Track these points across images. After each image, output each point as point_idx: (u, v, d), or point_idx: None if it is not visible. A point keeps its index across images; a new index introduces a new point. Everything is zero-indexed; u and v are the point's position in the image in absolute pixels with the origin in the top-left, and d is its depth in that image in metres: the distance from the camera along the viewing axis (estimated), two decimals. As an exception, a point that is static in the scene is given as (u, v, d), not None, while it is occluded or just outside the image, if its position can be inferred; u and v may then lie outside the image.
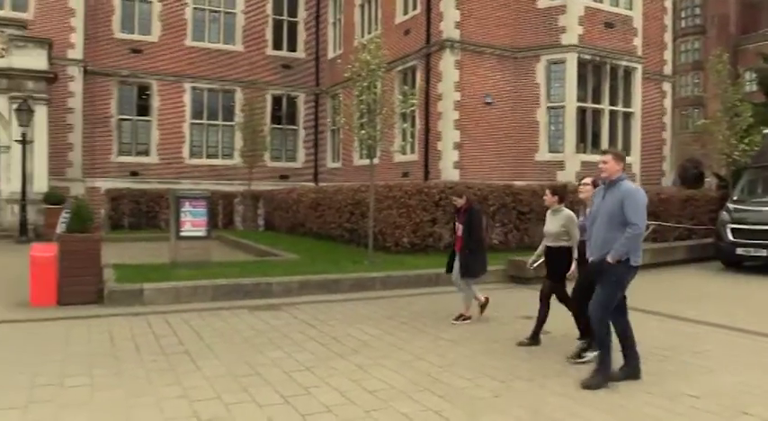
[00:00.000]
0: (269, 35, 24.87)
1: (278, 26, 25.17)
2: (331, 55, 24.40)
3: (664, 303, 8.67)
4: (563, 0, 17.20)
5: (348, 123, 12.37)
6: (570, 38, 17.22)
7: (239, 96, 23.85)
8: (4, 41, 18.03)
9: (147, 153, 23.06)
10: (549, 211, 6.40)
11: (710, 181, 25.76)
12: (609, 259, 4.90)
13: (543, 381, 5.08)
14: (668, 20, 21.65)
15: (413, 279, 10.05)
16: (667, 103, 21.72)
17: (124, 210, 20.36)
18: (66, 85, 20.63)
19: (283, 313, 7.87)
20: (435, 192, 12.50)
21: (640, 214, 4.91)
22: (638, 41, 18.65)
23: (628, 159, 18.23)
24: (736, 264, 13.01)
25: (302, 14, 25.42)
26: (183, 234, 10.59)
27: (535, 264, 6.98)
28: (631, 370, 5.14)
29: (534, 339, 6.27)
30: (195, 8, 23.61)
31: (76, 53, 21.03)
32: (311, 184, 22.92)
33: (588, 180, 6.11)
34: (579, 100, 17.44)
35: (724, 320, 7.61)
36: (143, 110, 23.05)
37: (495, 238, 13.06)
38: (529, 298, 7.72)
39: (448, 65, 17.01)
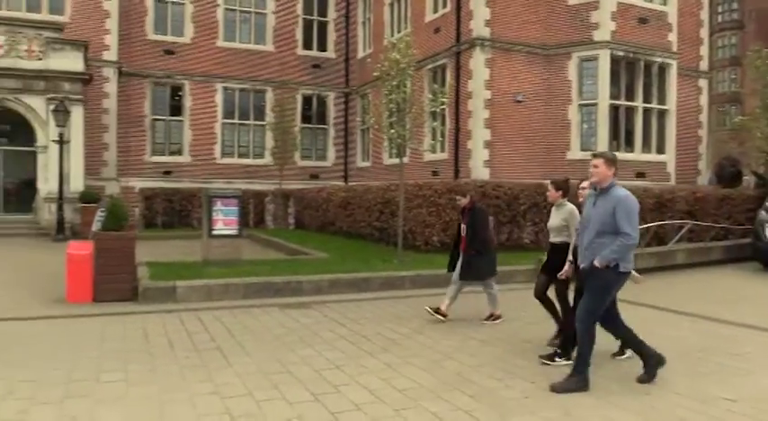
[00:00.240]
0: (299, 35, 25.04)
1: (308, 26, 25.32)
2: (361, 54, 24.46)
3: (698, 304, 8.46)
4: (595, -4, 16.99)
5: (378, 122, 12.36)
6: (603, 34, 16.98)
7: (270, 96, 24.09)
8: (42, 44, 18.47)
9: (179, 152, 23.42)
10: (553, 207, 6.30)
11: (748, 179, 25.08)
12: (596, 263, 4.73)
13: (575, 382, 5.00)
14: (704, 14, 21.23)
15: (443, 278, 9.93)
16: (703, 99, 21.29)
17: (157, 208, 20.69)
18: (101, 86, 21.05)
19: (313, 311, 7.91)
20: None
21: (633, 223, 4.73)
22: (672, 37, 18.30)
23: (662, 157, 18.04)
24: (775, 265, 12.67)
25: (332, 14, 25.54)
26: (214, 232, 10.70)
27: None
28: (653, 367, 5.01)
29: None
30: (226, 9, 23.89)
31: (111, 55, 21.43)
32: (341, 183, 23.00)
33: (586, 183, 5.94)
34: (612, 97, 17.19)
35: (764, 323, 7.38)
36: (176, 110, 23.41)
37: (525, 237, 12.96)
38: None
39: (478, 63, 16.91)
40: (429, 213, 12.38)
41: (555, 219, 6.17)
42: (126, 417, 4.15)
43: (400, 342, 6.34)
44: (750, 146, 16.99)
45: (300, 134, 23.63)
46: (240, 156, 24.35)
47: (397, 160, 12.14)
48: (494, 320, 7.30)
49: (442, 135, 18.43)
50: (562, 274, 5.86)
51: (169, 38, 23.07)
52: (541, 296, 6.31)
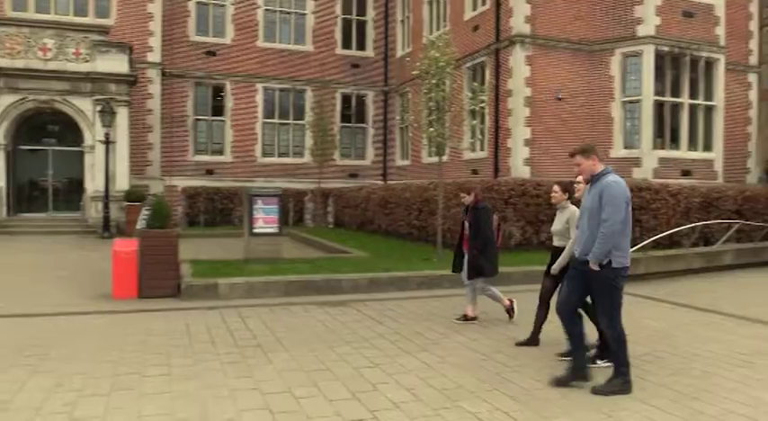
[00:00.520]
0: (338, 35, 25.16)
1: (347, 26, 25.43)
2: (399, 53, 24.44)
3: (751, 308, 8.19)
4: (639, -10, 16.63)
5: (417, 121, 12.36)
6: (647, 29, 16.60)
7: (309, 95, 24.27)
8: (89, 47, 18.98)
9: (221, 152, 23.78)
10: (557, 210, 6.15)
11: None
12: (590, 265, 4.66)
13: (617, 384, 4.90)
14: (754, 7, 20.55)
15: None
16: (753, 95, 20.62)
17: (200, 207, 21.09)
18: (145, 87, 21.53)
19: (352, 310, 7.94)
20: (505, 190, 12.30)
21: (614, 208, 4.59)
22: (720, 31, 17.78)
23: (709, 155, 17.54)
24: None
25: (371, 13, 25.59)
26: (255, 231, 10.86)
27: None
28: (574, 375, 4.88)
29: (533, 341, 6.19)
30: (266, 10, 24.15)
31: (155, 56, 21.88)
32: (380, 182, 23.05)
33: (581, 177, 5.76)
34: (657, 93, 16.78)
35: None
36: (218, 110, 23.78)
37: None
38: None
39: (518, 60, 16.72)
40: (468, 212, 12.27)
41: (558, 223, 6.01)
42: (169, 411, 4.23)
43: (438, 341, 6.32)
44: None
45: (339, 133, 23.78)
46: (280, 155, 24.60)
47: (436, 159, 12.10)
48: (466, 321, 7.20)
49: (482, 133, 18.28)
50: (553, 270, 5.90)
51: (211, 39, 23.45)
52: (548, 300, 6.21)
